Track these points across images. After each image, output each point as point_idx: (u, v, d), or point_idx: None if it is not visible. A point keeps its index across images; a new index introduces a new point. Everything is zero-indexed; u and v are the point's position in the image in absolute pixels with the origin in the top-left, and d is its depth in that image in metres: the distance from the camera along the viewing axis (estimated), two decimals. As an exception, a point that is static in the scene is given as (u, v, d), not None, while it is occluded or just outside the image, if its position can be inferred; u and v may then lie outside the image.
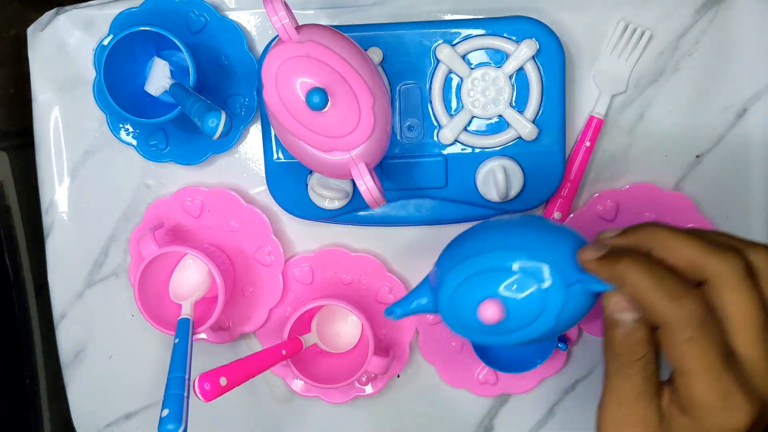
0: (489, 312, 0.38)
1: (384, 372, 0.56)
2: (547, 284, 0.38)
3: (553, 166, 0.56)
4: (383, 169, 0.56)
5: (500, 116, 0.55)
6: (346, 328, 0.60)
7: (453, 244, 0.42)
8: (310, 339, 0.57)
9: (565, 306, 0.38)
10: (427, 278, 0.43)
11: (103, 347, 0.63)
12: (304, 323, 0.58)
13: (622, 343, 0.36)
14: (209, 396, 0.45)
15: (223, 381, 0.45)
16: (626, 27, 0.57)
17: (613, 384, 0.37)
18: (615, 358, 0.37)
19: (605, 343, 0.37)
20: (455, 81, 0.55)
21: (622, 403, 0.37)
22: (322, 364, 0.58)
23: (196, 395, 0.44)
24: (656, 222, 0.37)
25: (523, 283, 0.38)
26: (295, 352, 0.54)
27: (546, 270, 0.38)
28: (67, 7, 0.59)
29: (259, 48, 0.58)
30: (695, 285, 0.34)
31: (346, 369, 0.57)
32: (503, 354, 0.59)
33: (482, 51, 0.55)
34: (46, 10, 0.59)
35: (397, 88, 0.56)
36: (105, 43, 0.57)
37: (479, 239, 0.41)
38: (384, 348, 0.59)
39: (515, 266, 0.38)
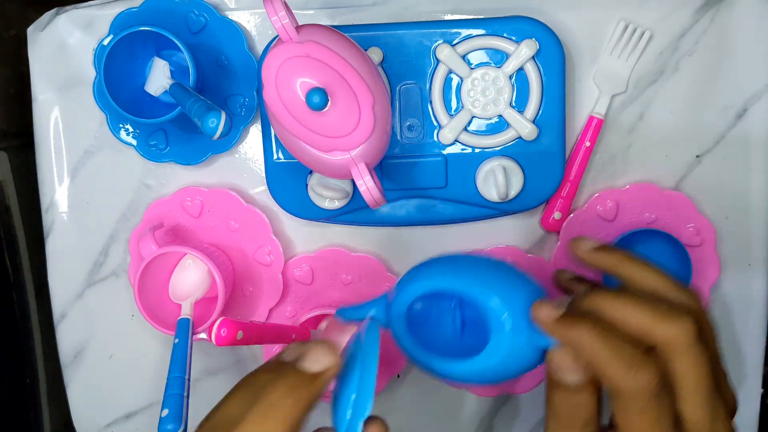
0: None
1: None
2: (499, 327, 0.37)
3: (553, 166, 0.56)
4: (383, 169, 0.56)
5: (500, 116, 0.55)
6: (344, 339, 0.59)
7: (418, 266, 0.41)
8: (314, 336, 0.57)
9: (510, 353, 0.37)
10: (385, 294, 0.42)
11: (103, 347, 0.63)
12: (311, 321, 0.58)
13: (563, 406, 0.36)
14: (222, 341, 0.44)
15: (240, 335, 0.45)
16: (626, 27, 0.57)
17: None
18: (555, 418, 0.36)
19: (546, 399, 0.36)
20: (455, 81, 0.55)
21: None
22: None
23: (209, 336, 0.43)
24: (605, 290, 0.37)
25: (476, 318, 0.38)
26: (302, 340, 0.54)
27: (502, 315, 0.37)
28: (67, 7, 0.59)
29: (259, 48, 0.58)
30: (647, 350, 0.34)
31: None
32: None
33: (482, 51, 0.55)
34: (46, 10, 0.59)
35: (397, 88, 0.56)
36: (105, 43, 0.57)
37: (446, 264, 0.40)
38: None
39: (476, 297, 0.38)
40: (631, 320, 0.34)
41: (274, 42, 0.47)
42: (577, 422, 0.35)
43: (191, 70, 0.53)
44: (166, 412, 0.45)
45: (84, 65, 0.59)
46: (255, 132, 0.60)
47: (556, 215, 0.58)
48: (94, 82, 0.58)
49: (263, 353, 0.61)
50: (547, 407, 0.36)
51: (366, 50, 0.51)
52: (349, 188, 0.56)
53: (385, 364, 0.60)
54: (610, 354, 0.33)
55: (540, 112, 0.55)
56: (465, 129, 0.56)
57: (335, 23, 0.57)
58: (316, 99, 0.43)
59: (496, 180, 0.55)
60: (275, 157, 0.57)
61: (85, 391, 0.63)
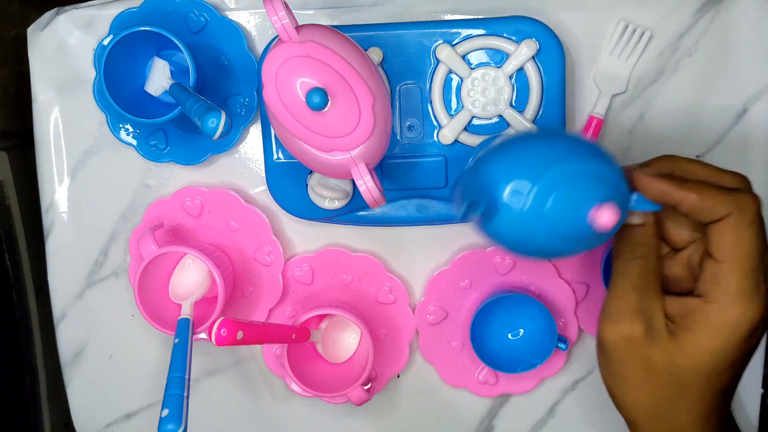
0: (605, 217, 0.37)
1: (359, 403, 0.56)
2: (622, 200, 0.40)
3: (553, 166, 0.56)
4: (383, 169, 0.56)
5: (500, 116, 0.55)
6: (344, 339, 0.59)
7: (515, 149, 0.42)
8: (314, 336, 0.57)
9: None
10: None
11: (103, 347, 0.63)
12: (311, 321, 0.58)
13: (626, 243, 0.42)
14: (222, 341, 0.44)
15: (240, 335, 0.45)
16: (626, 27, 0.57)
17: (614, 281, 0.43)
18: (618, 257, 0.43)
19: (614, 250, 0.43)
20: (455, 81, 0.55)
21: (618, 296, 0.42)
22: (316, 369, 0.58)
23: (209, 336, 0.44)
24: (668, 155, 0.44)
25: (607, 193, 0.39)
26: (302, 340, 0.54)
27: (623, 186, 0.40)
28: (67, 7, 0.59)
29: (259, 48, 0.58)
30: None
31: (336, 381, 0.56)
32: (503, 354, 0.59)
33: (482, 51, 0.55)
34: (46, 10, 0.59)
35: (397, 88, 0.56)
36: (105, 43, 0.57)
37: (552, 148, 0.41)
38: (368, 379, 0.58)
39: (603, 176, 0.40)
40: (698, 173, 0.43)
41: (274, 42, 0.47)
42: (636, 260, 0.42)
43: (191, 70, 0.53)
44: (166, 412, 0.45)
45: (84, 65, 0.59)
46: (255, 132, 0.60)
47: (556, 215, 0.58)
48: (94, 82, 0.58)
49: (263, 353, 0.61)
50: (614, 254, 0.43)
51: (366, 50, 0.51)
52: (349, 188, 0.56)
53: (386, 364, 0.60)
54: (713, 190, 0.39)
55: (540, 112, 0.55)
56: (465, 129, 0.56)
57: (335, 23, 0.57)
58: (316, 99, 0.43)
59: (496, 180, 0.55)
60: (275, 157, 0.57)
61: (85, 391, 0.63)
